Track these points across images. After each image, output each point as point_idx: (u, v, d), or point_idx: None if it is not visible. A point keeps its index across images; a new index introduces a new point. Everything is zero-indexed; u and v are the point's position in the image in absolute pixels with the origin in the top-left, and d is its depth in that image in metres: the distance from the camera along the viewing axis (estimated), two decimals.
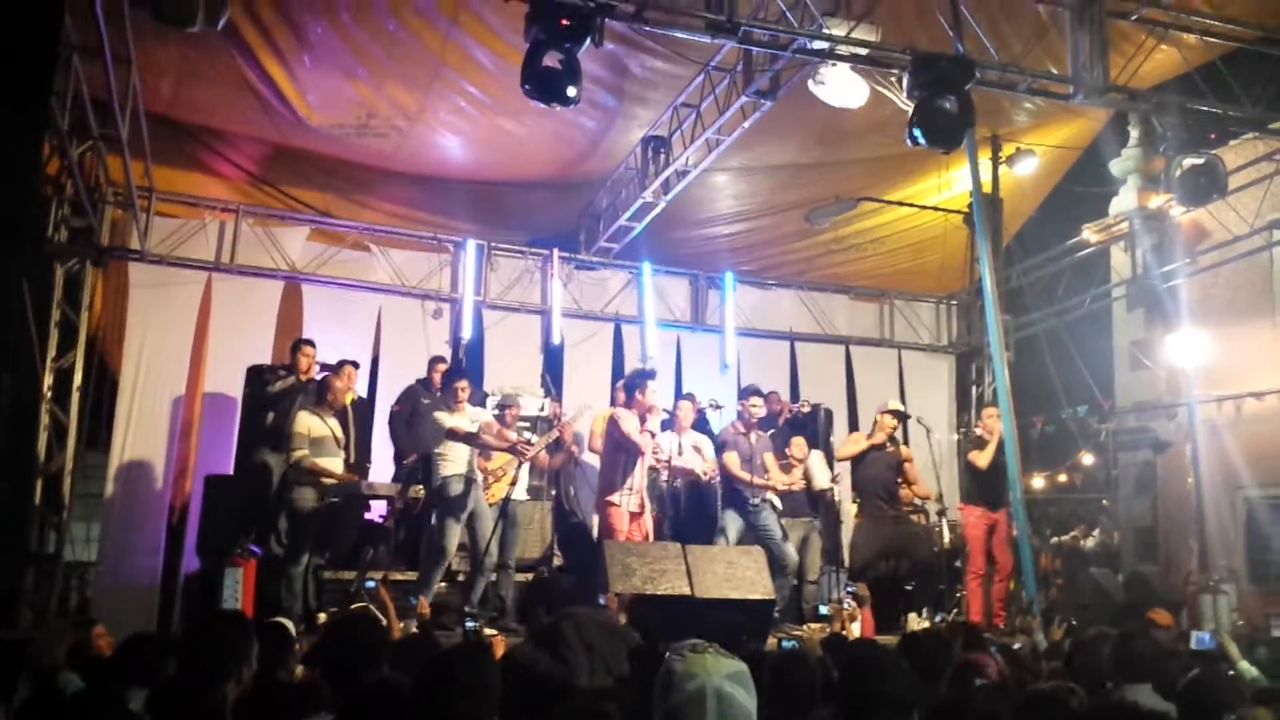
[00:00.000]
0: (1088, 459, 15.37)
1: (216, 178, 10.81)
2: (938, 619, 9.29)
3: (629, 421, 8.51)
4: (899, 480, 9.74)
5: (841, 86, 8.20)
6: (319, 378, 8.59)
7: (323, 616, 7.46)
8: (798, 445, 9.69)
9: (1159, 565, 13.33)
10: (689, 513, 9.37)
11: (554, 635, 4.96)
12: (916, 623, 8.67)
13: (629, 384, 8.91)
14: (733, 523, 8.87)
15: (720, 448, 9.12)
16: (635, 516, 8.55)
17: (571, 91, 7.08)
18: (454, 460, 8.00)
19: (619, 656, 4.94)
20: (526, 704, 3.62)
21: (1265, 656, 6.69)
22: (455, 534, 7.97)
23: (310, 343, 9.26)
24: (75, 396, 9.60)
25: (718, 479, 9.17)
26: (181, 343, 10.20)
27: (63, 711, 2.58)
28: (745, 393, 9.35)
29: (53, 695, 3.29)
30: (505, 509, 8.41)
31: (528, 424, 9.19)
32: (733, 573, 7.63)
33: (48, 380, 9.33)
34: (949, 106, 7.47)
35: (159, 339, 10.09)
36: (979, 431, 10.11)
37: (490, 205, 11.55)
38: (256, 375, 9.32)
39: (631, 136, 10.42)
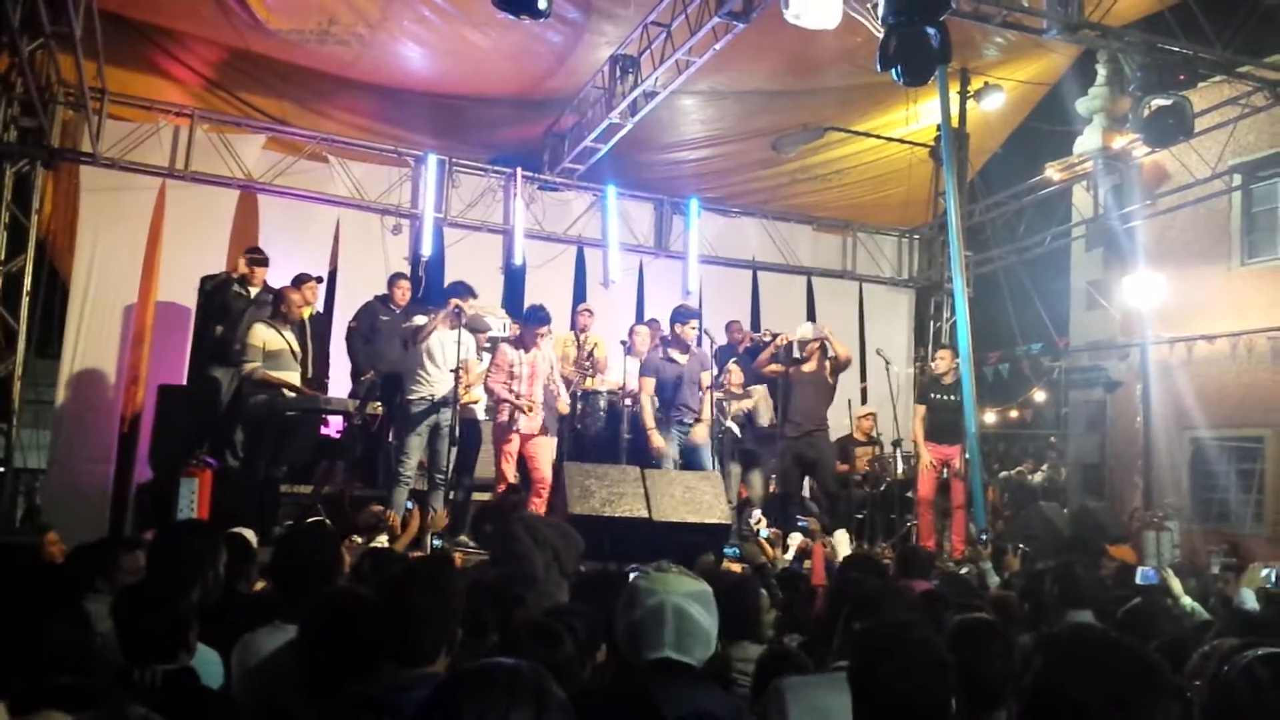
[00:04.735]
0: (1040, 396, 15.62)
1: (170, 81, 10.49)
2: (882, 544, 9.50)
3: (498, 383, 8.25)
4: (829, 399, 9.72)
5: (814, 6, 8.02)
6: (276, 289, 8.46)
7: (279, 530, 7.42)
8: (735, 374, 9.69)
9: (1105, 501, 13.64)
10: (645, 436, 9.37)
11: (505, 538, 5.01)
12: (843, 540, 8.70)
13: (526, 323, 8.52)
14: (671, 443, 8.73)
15: (640, 371, 8.97)
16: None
17: (542, 4, 6.92)
18: (428, 383, 7.85)
19: (571, 557, 5.01)
20: (485, 617, 3.64)
21: (1195, 588, 6.87)
22: (416, 451, 7.90)
23: (258, 251, 9.13)
24: (25, 301, 9.40)
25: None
26: (134, 250, 9.98)
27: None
28: (683, 316, 9.03)
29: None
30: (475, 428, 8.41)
31: (489, 346, 9.12)
32: (691, 496, 7.68)
33: None
34: (923, 37, 7.37)
35: (111, 245, 9.86)
36: (934, 369, 10.16)
37: (452, 120, 11.33)
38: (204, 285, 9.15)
39: (599, 54, 10.22)
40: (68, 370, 9.59)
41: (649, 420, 8.65)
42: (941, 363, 9.91)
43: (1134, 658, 1.98)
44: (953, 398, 9.62)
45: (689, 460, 8.75)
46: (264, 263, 9.04)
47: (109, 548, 4.12)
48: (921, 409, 9.82)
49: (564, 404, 8.67)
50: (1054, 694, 1.94)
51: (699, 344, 9.35)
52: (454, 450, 7.84)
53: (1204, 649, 3.40)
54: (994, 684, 2.91)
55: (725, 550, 7.90)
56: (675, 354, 8.83)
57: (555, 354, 8.90)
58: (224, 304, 8.79)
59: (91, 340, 9.68)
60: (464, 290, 7.95)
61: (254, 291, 8.86)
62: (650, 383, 8.75)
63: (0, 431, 9.15)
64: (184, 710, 2.54)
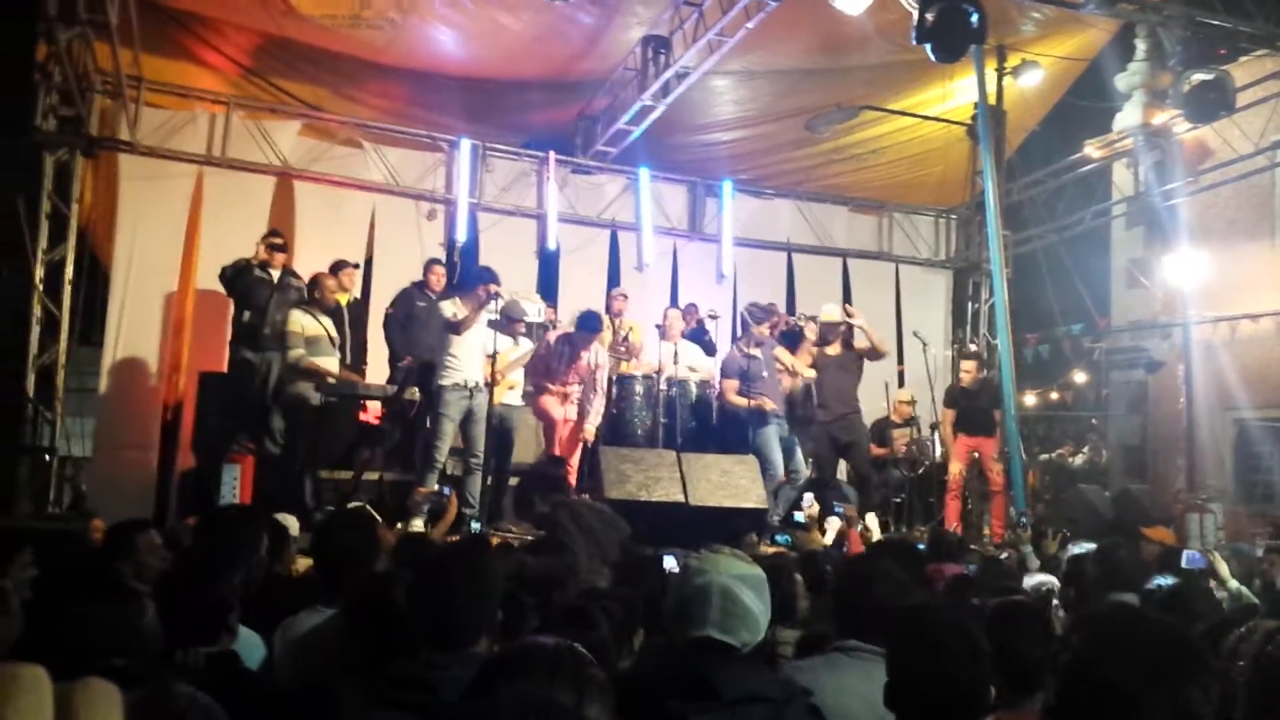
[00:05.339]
0: (1080, 377, 15.45)
1: (206, 68, 10.55)
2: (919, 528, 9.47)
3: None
4: (857, 380, 9.71)
5: None
6: (309, 276, 8.52)
7: (319, 515, 7.49)
8: (782, 355, 9.67)
9: (1147, 483, 13.49)
10: (684, 420, 9.39)
11: (551, 524, 5.05)
12: (873, 524, 8.72)
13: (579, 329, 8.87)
14: (774, 434, 8.79)
15: (722, 374, 9.13)
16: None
17: None
18: (457, 369, 7.91)
19: (613, 543, 5.03)
20: (524, 601, 3.66)
21: (1238, 571, 6.80)
22: (449, 437, 7.96)
23: (278, 235, 9.17)
24: (67, 289, 9.52)
25: (714, 391, 9.27)
26: (173, 237, 10.07)
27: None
28: (761, 315, 9.18)
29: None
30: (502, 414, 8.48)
31: (525, 330, 9.16)
32: (727, 481, 7.69)
33: (39, 273, 9.26)
34: (960, 12, 7.30)
35: (150, 233, 9.96)
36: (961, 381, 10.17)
37: (485, 104, 11.31)
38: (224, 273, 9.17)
39: (631, 35, 10.17)
40: (110, 358, 9.70)
41: (738, 401, 8.73)
42: (966, 375, 10.01)
43: (1171, 637, 1.97)
44: (979, 403, 9.83)
45: (789, 445, 8.80)
46: (283, 248, 9.02)
47: (124, 531, 4.18)
48: (950, 413, 9.90)
49: (590, 424, 8.74)
50: (1090, 674, 1.93)
51: (744, 328, 9.37)
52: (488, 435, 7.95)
53: (1240, 629, 3.38)
54: (1032, 666, 2.90)
55: (777, 537, 7.93)
56: (752, 350, 8.91)
57: (605, 354, 9.03)
58: (245, 289, 8.79)
59: (133, 328, 9.78)
60: (490, 277, 7.98)
61: (275, 275, 8.88)
62: (734, 384, 8.80)
63: (46, 420, 9.28)
64: (227, 691, 2.57)
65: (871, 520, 8.74)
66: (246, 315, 8.73)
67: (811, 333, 9.61)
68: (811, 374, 9.36)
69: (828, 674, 2.77)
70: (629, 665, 3.30)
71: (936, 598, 4.51)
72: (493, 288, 7.82)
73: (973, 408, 9.80)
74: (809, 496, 8.55)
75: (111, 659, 2.36)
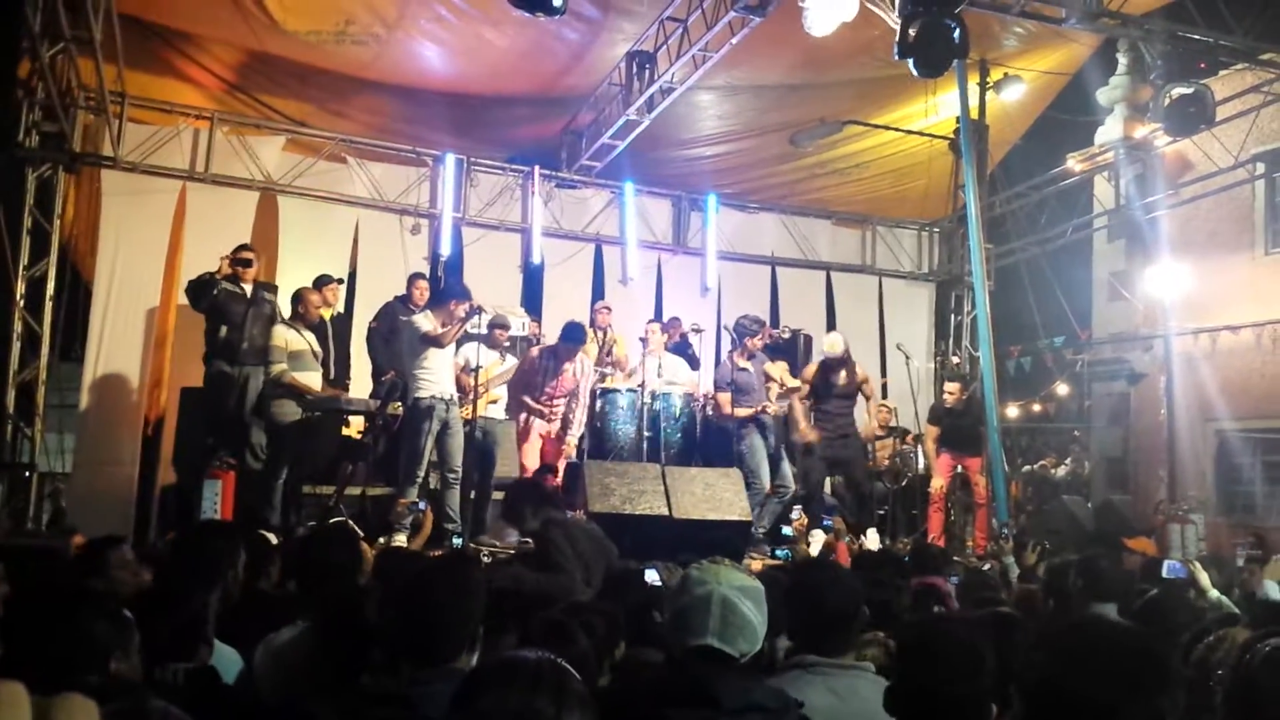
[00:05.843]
0: (1062, 389, 15.51)
1: (190, 84, 10.54)
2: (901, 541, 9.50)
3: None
4: (850, 400, 9.71)
5: (829, 4, 8.03)
6: (292, 291, 8.49)
7: (301, 530, 7.45)
8: (772, 369, 9.66)
9: (1129, 495, 13.56)
10: (668, 434, 9.38)
11: (545, 543, 5.03)
12: (874, 539, 8.77)
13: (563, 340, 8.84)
14: (762, 445, 8.76)
15: (715, 387, 9.14)
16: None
17: (557, 1, 6.92)
18: (431, 381, 7.86)
19: (600, 567, 5.03)
20: (509, 618, 3.65)
21: (1219, 580, 6.83)
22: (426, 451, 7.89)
23: (245, 249, 9.06)
24: (48, 305, 9.48)
25: (699, 404, 9.26)
26: (155, 253, 10.04)
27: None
28: (754, 329, 9.13)
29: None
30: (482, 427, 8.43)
31: (509, 344, 9.14)
32: (711, 494, 7.69)
33: (20, 288, 9.22)
34: (942, 27, 7.34)
35: (132, 248, 9.92)
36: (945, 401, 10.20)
37: (470, 119, 11.33)
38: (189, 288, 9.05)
39: (616, 51, 10.20)
40: (91, 374, 9.65)
41: (729, 411, 8.72)
42: (950, 397, 10.08)
43: (1144, 648, 1.97)
44: (964, 421, 9.85)
45: (776, 458, 8.80)
46: (250, 263, 8.88)
47: (97, 548, 4.16)
48: (933, 430, 9.93)
49: (572, 435, 8.77)
50: (1064, 685, 1.93)
51: (736, 341, 9.36)
52: (467, 450, 7.91)
53: (1210, 639, 3.39)
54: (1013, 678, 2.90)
55: (777, 552, 7.95)
56: (744, 363, 8.88)
57: (590, 365, 9.02)
58: (217, 304, 8.64)
59: (114, 343, 9.74)
60: (462, 293, 7.93)
61: (248, 289, 8.81)
62: (727, 397, 8.78)
63: (25, 436, 9.22)
64: (206, 707, 2.56)
65: (872, 535, 8.79)
66: (223, 330, 8.64)
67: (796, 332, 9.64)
68: (797, 383, 9.38)
69: (793, 693, 2.77)
70: (611, 679, 3.29)
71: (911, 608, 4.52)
72: (471, 303, 7.78)
73: (957, 426, 9.83)
74: (798, 510, 8.56)
75: (88, 675, 2.35)
